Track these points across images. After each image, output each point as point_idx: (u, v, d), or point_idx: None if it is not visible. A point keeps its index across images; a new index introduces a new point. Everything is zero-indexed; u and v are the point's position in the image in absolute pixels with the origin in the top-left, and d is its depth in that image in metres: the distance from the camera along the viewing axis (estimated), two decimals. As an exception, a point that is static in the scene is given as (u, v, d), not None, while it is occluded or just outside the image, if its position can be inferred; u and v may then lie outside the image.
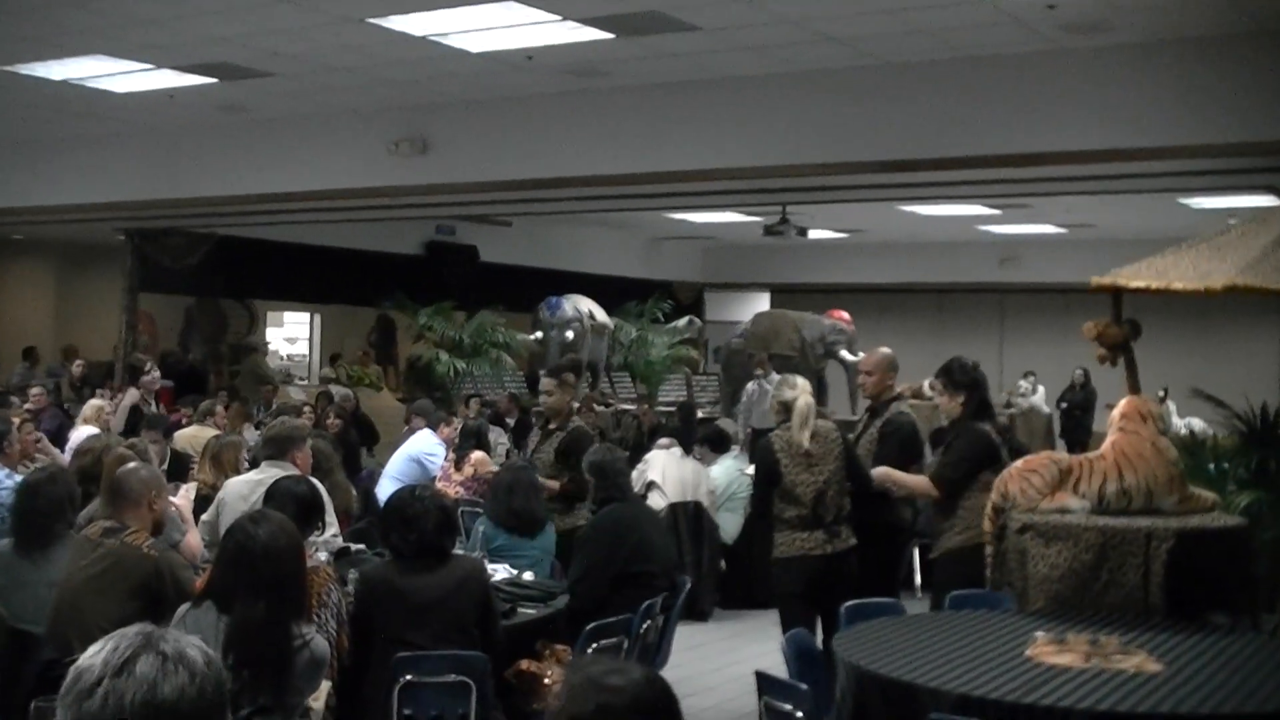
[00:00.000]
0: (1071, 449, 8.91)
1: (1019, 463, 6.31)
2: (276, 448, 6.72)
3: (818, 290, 23.83)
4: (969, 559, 6.42)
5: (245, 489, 6.51)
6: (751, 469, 8.85)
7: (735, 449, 11.44)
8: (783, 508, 6.81)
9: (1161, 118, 9.11)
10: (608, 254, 23.56)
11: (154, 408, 12.39)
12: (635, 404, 18.68)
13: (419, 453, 10.85)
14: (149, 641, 1.82)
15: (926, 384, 7.49)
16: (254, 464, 7.23)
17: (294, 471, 6.34)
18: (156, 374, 11.09)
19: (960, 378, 6.85)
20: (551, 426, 8.64)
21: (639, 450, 12.17)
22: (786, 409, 6.94)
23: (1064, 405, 20.28)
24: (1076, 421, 19.70)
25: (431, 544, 5.17)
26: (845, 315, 19.02)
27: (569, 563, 6.92)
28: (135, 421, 11.49)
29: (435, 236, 20.80)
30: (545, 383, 8.83)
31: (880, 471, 6.97)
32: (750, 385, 16.47)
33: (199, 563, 6.02)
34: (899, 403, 7.52)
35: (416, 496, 5.32)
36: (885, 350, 7.69)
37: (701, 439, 11.40)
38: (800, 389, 6.98)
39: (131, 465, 5.51)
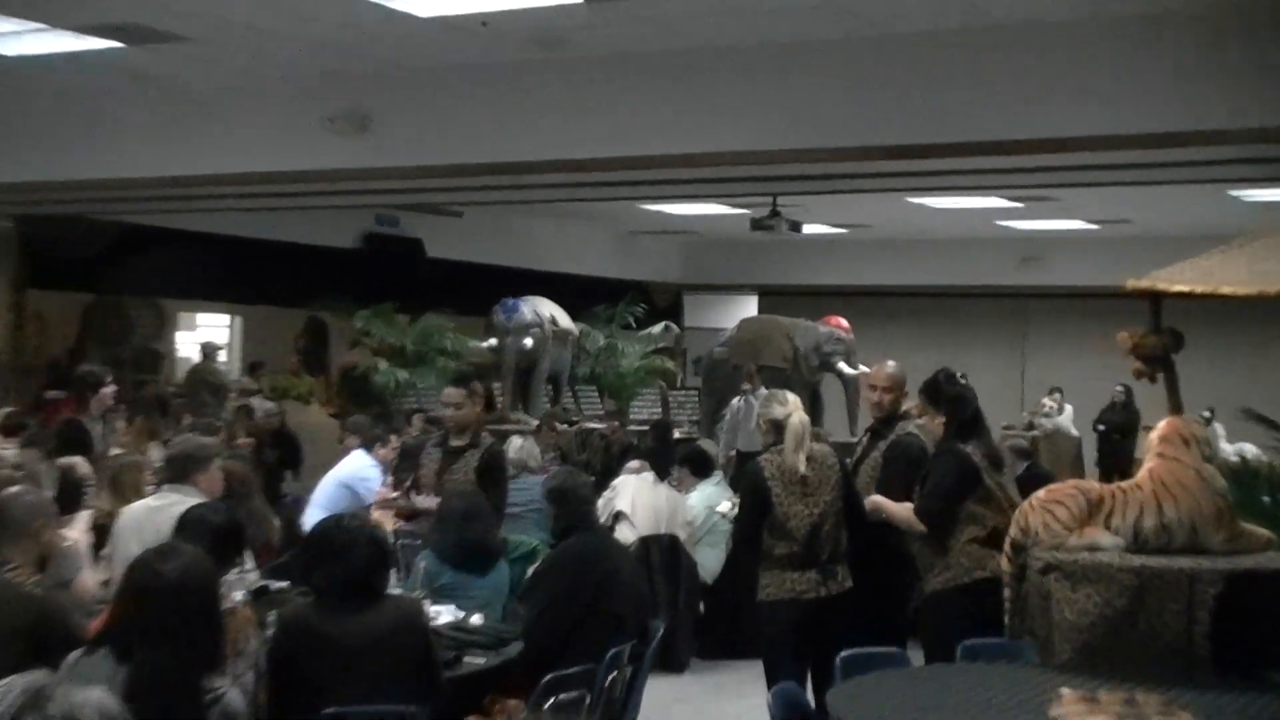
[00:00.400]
0: (1109, 479, 8.88)
1: (1042, 492, 6.33)
2: (176, 469, 6.70)
3: (812, 293, 23.87)
4: (951, 603, 6.55)
5: (140, 516, 6.46)
6: (736, 497, 8.85)
7: (718, 474, 11.45)
8: (772, 543, 6.84)
9: (1211, 98, 9.06)
10: (573, 250, 23.57)
11: (100, 428, 12.28)
12: (603, 422, 18.65)
13: (351, 476, 10.81)
14: (35, 701, 1.75)
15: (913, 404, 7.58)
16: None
17: (197, 497, 6.28)
18: (113, 388, 10.98)
19: (940, 393, 6.89)
20: (456, 443, 8.68)
21: (608, 475, 12.14)
22: (777, 429, 6.96)
23: (1101, 428, 20.27)
24: (1116, 447, 19.66)
25: (361, 581, 5.12)
26: (844, 322, 19.02)
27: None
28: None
29: (375, 228, 20.74)
30: (452, 393, 8.87)
31: (871, 500, 7.01)
32: (735, 401, 16.45)
33: (93, 605, 5.94)
34: (905, 422, 7.54)
35: (344, 527, 5.27)
36: (894, 365, 7.73)
37: (679, 462, 11.38)
38: (792, 405, 7.00)
39: (15, 490, 5.44)
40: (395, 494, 10.59)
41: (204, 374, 18.74)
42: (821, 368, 18.67)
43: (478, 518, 7.22)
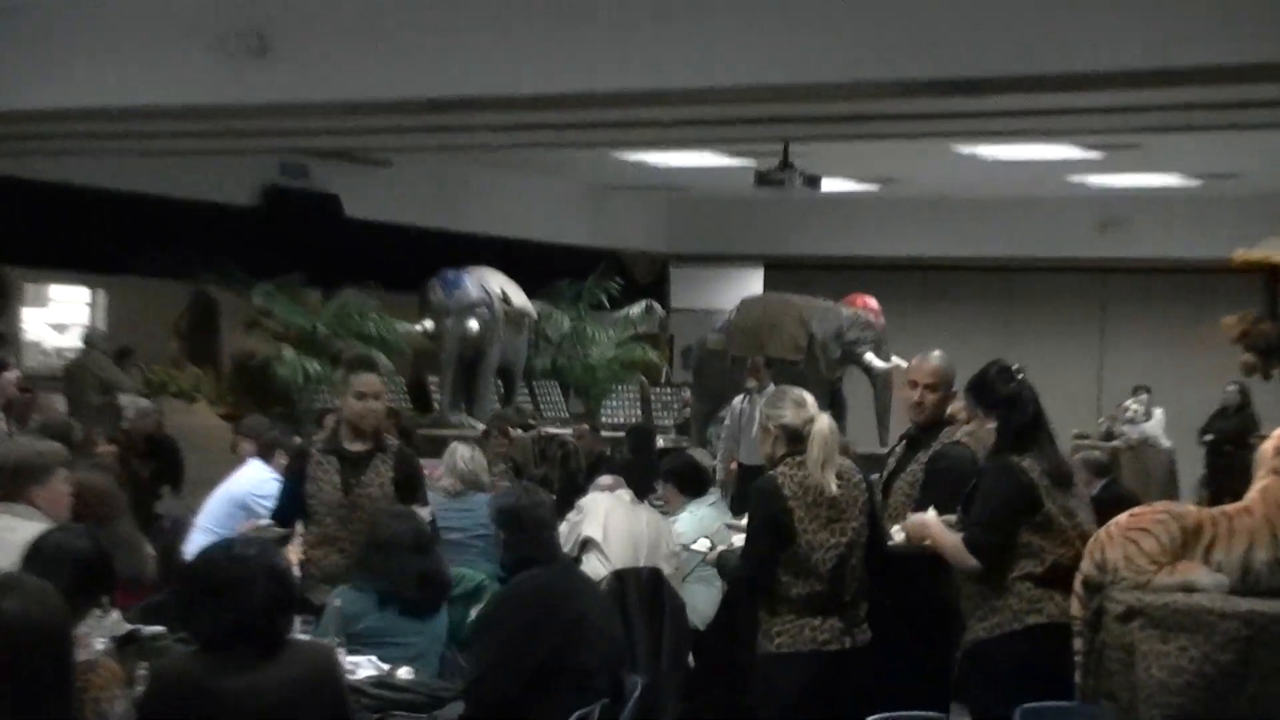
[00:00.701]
0: (1220, 502, 8.86)
1: (1124, 517, 6.34)
2: (3, 482, 6.57)
3: (833, 266, 23.91)
4: (998, 655, 6.56)
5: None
6: (730, 524, 8.84)
7: (713, 492, 11.42)
8: (789, 581, 6.83)
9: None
10: (530, 211, 23.58)
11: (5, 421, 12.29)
12: (568, 426, 18.64)
13: (245, 493, 10.75)
14: None
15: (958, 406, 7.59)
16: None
17: (35, 519, 6.22)
18: (15, 373, 10.92)
19: (992, 393, 6.90)
20: (354, 448, 8.57)
21: (573, 492, 12.13)
22: (793, 437, 6.94)
23: (1210, 438, 20.19)
24: (1229, 462, 19.49)
25: (258, 626, 5.09)
26: (872, 303, 19.04)
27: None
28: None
29: (279, 180, 20.77)
30: (373, 381, 8.90)
31: (917, 520, 6.98)
32: (737, 402, 16.43)
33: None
34: (952, 429, 7.57)
35: (236, 556, 5.21)
36: (941, 356, 7.73)
37: (664, 476, 11.34)
38: (811, 407, 6.98)
39: None
40: None
41: (93, 368, 18.59)
42: (844, 360, 18.68)
43: (428, 546, 7.26)
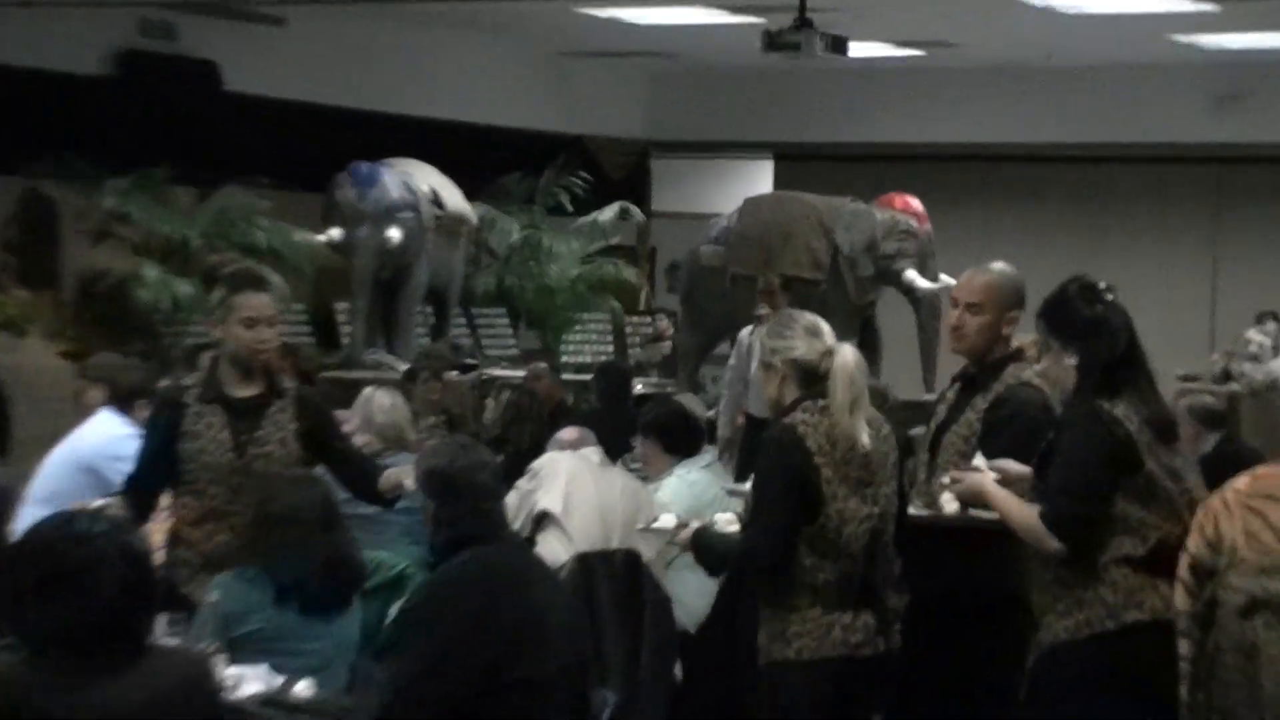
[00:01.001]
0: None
1: (1244, 482, 6.32)
2: None
3: (864, 157, 23.90)
4: (1085, 661, 6.57)
5: None
6: (738, 493, 8.80)
7: (708, 451, 11.52)
8: (814, 564, 6.85)
9: None
10: (471, 84, 23.61)
11: None
12: (520, 366, 18.65)
13: (96, 452, 10.72)
14: None
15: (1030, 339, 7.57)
16: None
17: None
18: None
19: (1072, 319, 6.87)
20: (242, 394, 8.45)
21: (528, 452, 12.16)
22: (808, 377, 6.96)
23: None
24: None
25: (107, 626, 5.09)
26: (915, 203, 18.99)
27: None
28: None
29: (137, 42, 20.70)
30: (263, 303, 8.62)
31: (974, 482, 6.95)
32: (745, 335, 16.36)
33: None
34: (1018, 367, 7.60)
35: (78, 535, 5.22)
36: (1000, 269, 7.76)
37: (644, 430, 11.41)
38: (827, 335, 6.97)
39: None
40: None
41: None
42: (879, 279, 18.66)
43: (337, 523, 7.32)
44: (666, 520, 8.19)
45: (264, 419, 8.45)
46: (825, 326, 7.10)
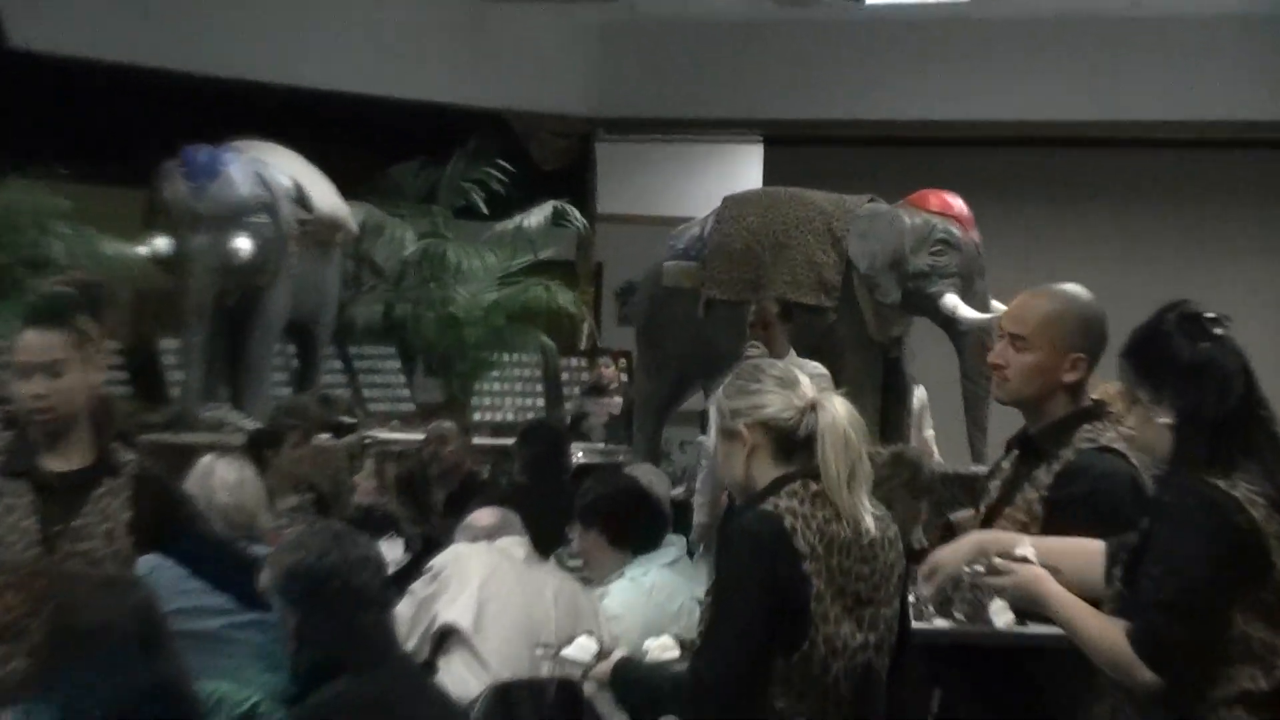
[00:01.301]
0: None
1: None
2: None
3: (885, 140, 23.93)
4: None
5: None
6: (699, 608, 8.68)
7: (673, 543, 11.55)
8: (786, 706, 6.81)
9: None
10: (350, 43, 23.97)
11: None
12: (415, 427, 18.78)
13: None
14: None
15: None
16: None
17: None
18: None
19: (1168, 362, 6.69)
20: (55, 469, 8.32)
21: (425, 545, 12.09)
22: (785, 443, 6.93)
23: None
24: None
25: None
26: (957, 203, 18.93)
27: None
28: None
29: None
30: (35, 340, 8.32)
31: (1030, 578, 6.80)
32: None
33: None
34: (1096, 428, 7.59)
35: None
36: (1061, 292, 7.77)
37: (582, 515, 11.38)
38: (805, 385, 6.96)
39: None
40: None
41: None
42: (908, 306, 18.59)
43: (162, 641, 7.21)
44: (582, 646, 7.95)
45: (86, 503, 8.31)
46: (802, 374, 7.04)
